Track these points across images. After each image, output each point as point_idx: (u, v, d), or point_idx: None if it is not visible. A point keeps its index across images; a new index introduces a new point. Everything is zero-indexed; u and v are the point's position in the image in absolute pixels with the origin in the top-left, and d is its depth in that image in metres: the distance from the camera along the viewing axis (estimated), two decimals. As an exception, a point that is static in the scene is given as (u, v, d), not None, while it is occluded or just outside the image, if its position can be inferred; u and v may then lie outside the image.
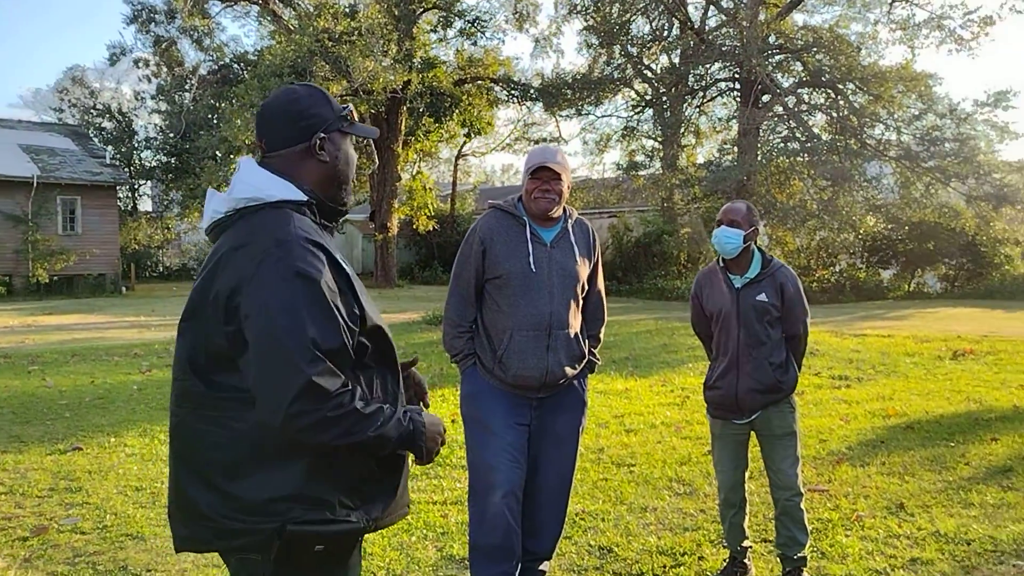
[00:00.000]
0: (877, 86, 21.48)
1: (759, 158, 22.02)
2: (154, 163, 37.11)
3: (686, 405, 7.76)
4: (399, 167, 28.59)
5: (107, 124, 37.72)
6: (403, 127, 28.05)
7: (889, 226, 22.53)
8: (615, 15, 25.67)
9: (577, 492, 5.06)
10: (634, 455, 5.95)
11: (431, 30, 28.82)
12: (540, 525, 3.47)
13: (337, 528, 1.86)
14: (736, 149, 23.29)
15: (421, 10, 26.93)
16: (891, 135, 22.47)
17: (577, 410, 3.48)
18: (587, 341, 3.51)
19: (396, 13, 25.42)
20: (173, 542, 1.96)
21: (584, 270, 3.41)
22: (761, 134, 22.81)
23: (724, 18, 24.87)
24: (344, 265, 1.94)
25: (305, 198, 1.96)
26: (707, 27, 25.39)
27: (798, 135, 22.26)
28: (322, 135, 2.00)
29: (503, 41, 73.63)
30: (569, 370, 3.35)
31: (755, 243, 3.79)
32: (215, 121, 30.31)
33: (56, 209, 27.01)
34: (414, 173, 31.39)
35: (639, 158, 27.20)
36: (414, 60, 26.20)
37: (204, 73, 34.63)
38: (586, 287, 3.45)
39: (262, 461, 1.83)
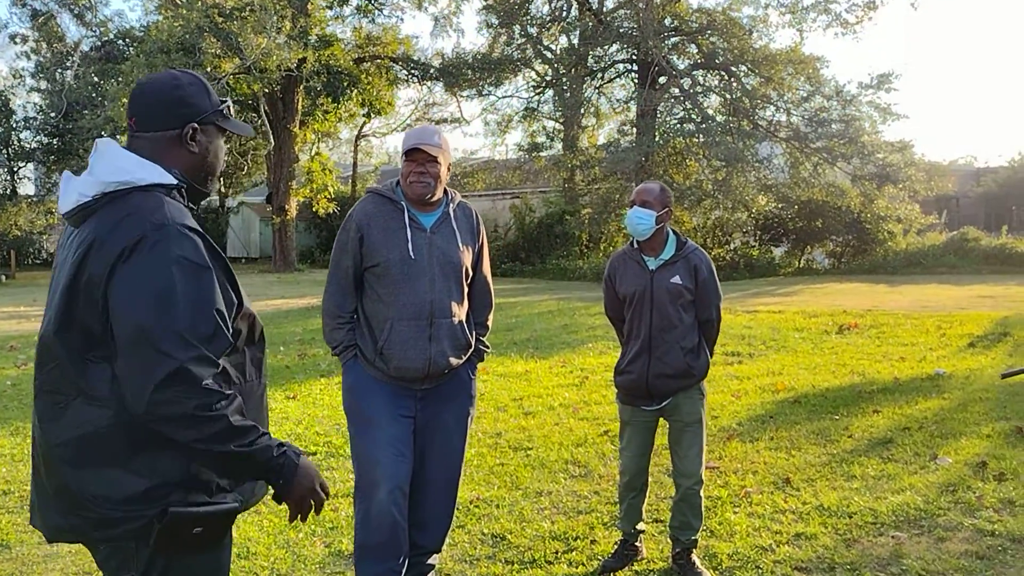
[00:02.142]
0: (768, 68, 22.07)
1: (657, 139, 22.36)
2: (34, 144, 35.17)
3: (585, 386, 7.80)
4: (296, 148, 27.87)
5: (-19, 103, 35.49)
6: (300, 107, 27.32)
7: (780, 205, 23.22)
8: (514, -6, 25.58)
9: (473, 479, 5.00)
10: (531, 438, 5.93)
11: (327, 6, 28.09)
12: (428, 518, 3.38)
13: (216, 509, 1.89)
14: (635, 130, 23.59)
15: (316, -15, 26.24)
16: (781, 116, 23.14)
17: (464, 401, 3.39)
18: (474, 330, 3.42)
19: (289, -12, 24.68)
20: (44, 533, 1.93)
21: (467, 256, 3.32)
22: (658, 115, 23.15)
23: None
24: (219, 250, 1.95)
25: (175, 182, 1.96)
26: (605, 8, 25.56)
27: (694, 116, 22.69)
28: (195, 125, 2.00)
29: (402, 19, 72.83)
30: (454, 360, 3.26)
31: (668, 225, 3.72)
32: (99, 100, 28.89)
33: (-75, 193, 25.35)
34: (312, 154, 30.65)
35: (540, 139, 27.35)
36: (310, 37, 25.47)
37: (86, 49, 33.00)
38: (470, 273, 3.36)
39: (143, 448, 1.82)
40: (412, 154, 3.17)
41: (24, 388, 8.09)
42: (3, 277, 25.89)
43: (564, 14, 26.19)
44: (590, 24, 24.90)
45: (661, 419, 3.81)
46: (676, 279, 3.61)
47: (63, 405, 1.85)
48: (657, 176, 21.25)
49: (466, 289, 3.34)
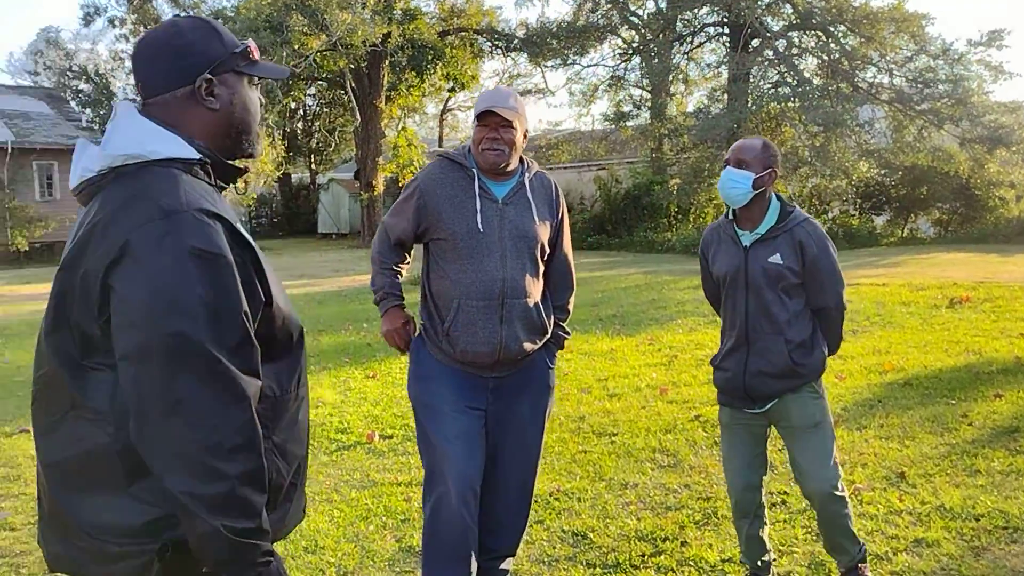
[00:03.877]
0: (868, 27, 20.88)
1: (749, 104, 21.45)
2: (132, 125, 36.25)
3: (673, 365, 7.40)
4: (383, 124, 27.95)
5: (84, 86, 36.72)
6: (385, 82, 27.37)
7: (882, 171, 22.06)
8: (599, -41, 24.88)
9: (554, 468, 4.72)
10: (616, 423, 5.60)
11: (411, -20, 27.96)
12: (501, 521, 3.09)
13: None
14: (726, 96, 22.72)
15: (400, -41, 26.12)
16: (883, 78, 21.92)
17: (541, 393, 3.07)
18: (552, 313, 3.10)
19: (374, -37, 24.63)
20: (45, 558, 1.65)
21: (544, 231, 2.99)
22: (751, 80, 22.21)
23: (711, -41, 24.11)
24: (247, 237, 1.60)
25: (197, 156, 1.62)
26: (694, -31, 24.61)
27: (789, 80, 21.68)
28: (208, 76, 1.64)
29: (487, -10, 71.49)
30: (528, 345, 2.95)
31: (772, 189, 3.07)
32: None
33: (32, 175, 26.40)
34: (399, 130, 30.69)
35: (627, 108, 26.57)
36: (394, 12, 25.44)
37: (181, 31, 33.77)
38: (547, 250, 3.04)
39: (148, 472, 1.50)
40: (484, 118, 2.86)
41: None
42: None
43: (652, -23, 25.36)
44: (678, -14, 24.02)
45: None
46: (776, 258, 2.97)
47: (57, 418, 1.57)
48: (750, 143, 20.38)
49: (542, 268, 3.02)
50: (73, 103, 33.70)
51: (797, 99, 20.93)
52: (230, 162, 1.71)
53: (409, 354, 3.10)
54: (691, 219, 23.80)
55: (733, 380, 3.09)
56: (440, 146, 35.60)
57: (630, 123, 26.10)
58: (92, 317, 1.50)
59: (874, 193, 22.77)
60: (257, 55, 1.72)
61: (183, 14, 25.65)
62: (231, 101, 1.68)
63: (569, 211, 17.68)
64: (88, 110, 33.71)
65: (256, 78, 1.74)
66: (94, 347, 1.52)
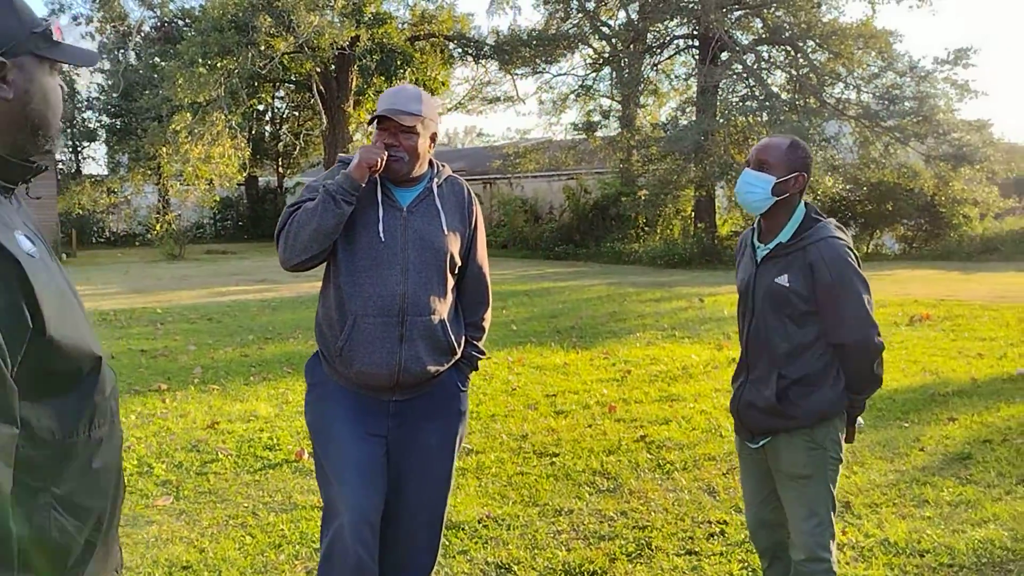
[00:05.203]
0: (837, 43, 20.96)
1: (717, 117, 21.42)
2: (96, 124, 35.63)
3: (626, 381, 7.19)
4: (351, 128, 27.64)
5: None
6: (353, 86, 27.08)
7: (847, 187, 22.09)
8: (571, -32, 24.80)
9: (487, 491, 4.47)
10: (559, 442, 5.37)
11: (382, -16, 27.70)
12: (407, 558, 2.82)
13: None
14: (694, 109, 22.68)
15: (370, -38, 25.85)
16: (850, 94, 22.00)
17: (451, 418, 2.80)
18: (463, 331, 2.85)
19: (343, -36, 24.35)
20: None
21: (454, 242, 2.73)
22: (720, 93, 22.19)
23: (682, -28, 24.08)
24: (15, 251, 1.30)
25: None
26: (665, -19, 24.57)
27: (757, 94, 21.68)
28: (1, 59, 1.37)
29: (459, -4, 70.89)
30: (432, 367, 2.69)
31: (799, 196, 2.66)
32: (159, 80, 29.06)
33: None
34: (367, 134, 30.39)
35: (596, 118, 26.50)
36: (364, 15, 25.17)
37: (148, 29, 33.23)
38: (459, 262, 2.79)
39: None
40: (382, 122, 2.61)
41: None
42: (64, 256, 26.20)
43: (623, -13, 25.29)
44: (650, -2, 23.97)
45: None
46: (782, 279, 2.58)
47: None
48: (717, 156, 20.32)
49: (451, 282, 2.77)
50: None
51: (765, 113, 20.92)
52: (19, 160, 1.44)
53: (305, 375, 2.84)
54: (658, 231, 23.72)
55: (731, 406, 2.79)
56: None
57: (599, 133, 26.03)
58: None
59: (840, 208, 22.75)
60: (62, 36, 1.46)
61: (150, 14, 24.87)
62: (27, 89, 1.41)
63: (537, 220, 17.45)
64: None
65: (60, 64, 1.47)
66: None
